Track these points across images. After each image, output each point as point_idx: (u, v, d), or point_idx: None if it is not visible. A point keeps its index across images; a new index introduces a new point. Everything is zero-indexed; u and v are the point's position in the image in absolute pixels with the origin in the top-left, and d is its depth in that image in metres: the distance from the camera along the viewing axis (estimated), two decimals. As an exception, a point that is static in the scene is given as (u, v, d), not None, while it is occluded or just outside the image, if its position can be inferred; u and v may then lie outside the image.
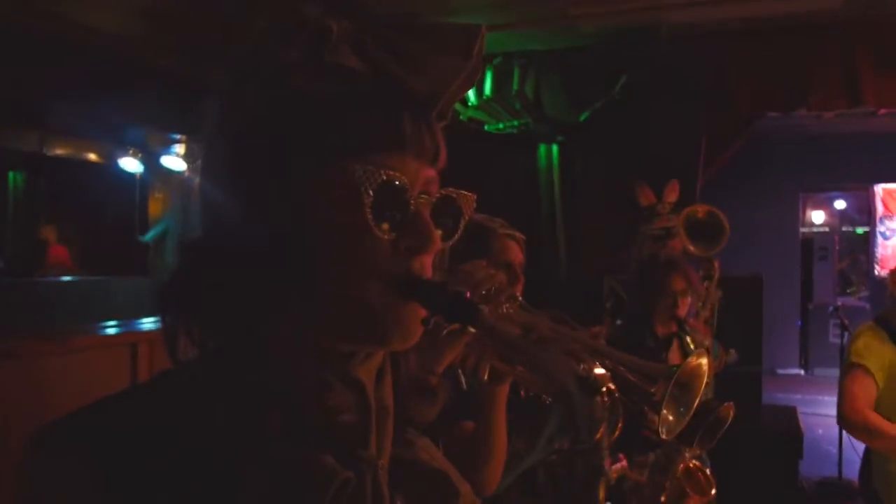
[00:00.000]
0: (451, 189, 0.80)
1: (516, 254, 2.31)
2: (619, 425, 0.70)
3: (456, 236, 0.82)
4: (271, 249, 0.72)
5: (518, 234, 2.35)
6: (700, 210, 3.89)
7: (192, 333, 0.75)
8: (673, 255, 3.28)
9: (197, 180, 0.79)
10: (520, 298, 2.22)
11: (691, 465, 2.67)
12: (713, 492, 2.68)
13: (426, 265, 0.77)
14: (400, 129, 0.74)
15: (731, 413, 2.17)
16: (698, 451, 2.57)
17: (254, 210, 0.73)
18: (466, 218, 0.82)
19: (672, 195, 3.81)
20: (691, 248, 3.76)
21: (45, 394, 3.01)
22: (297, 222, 0.72)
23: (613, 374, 1.73)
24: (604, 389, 0.68)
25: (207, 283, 0.74)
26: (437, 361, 1.47)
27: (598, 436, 0.68)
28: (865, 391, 3.18)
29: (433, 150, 0.78)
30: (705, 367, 1.64)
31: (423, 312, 0.76)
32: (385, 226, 0.72)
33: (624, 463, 0.65)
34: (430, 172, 0.78)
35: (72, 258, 7.56)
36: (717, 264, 3.89)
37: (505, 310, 1.66)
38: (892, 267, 3.58)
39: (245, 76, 0.76)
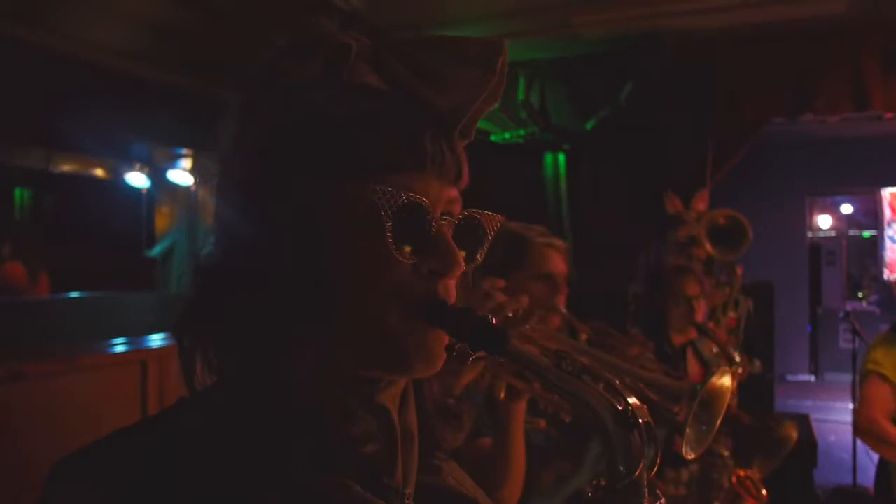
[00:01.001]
0: (474, 209, 0.78)
1: (557, 263, 2.24)
2: (658, 462, 0.66)
3: (479, 258, 0.80)
4: (289, 273, 0.70)
5: (558, 242, 2.27)
6: (720, 215, 3.89)
7: (210, 359, 0.73)
8: (682, 262, 3.25)
9: (208, 197, 0.77)
10: (563, 310, 2.18)
11: (742, 473, 2.64)
12: (764, 493, 2.65)
13: (450, 289, 0.74)
14: (421, 148, 0.72)
15: (796, 434, 2.13)
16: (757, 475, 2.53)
17: (270, 232, 0.71)
18: (490, 239, 0.79)
19: (701, 204, 3.80)
20: (714, 252, 3.76)
21: (55, 414, 2.99)
22: (315, 245, 0.70)
23: (635, 393, 1.71)
24: (642, 423, 0.65)
25: (224, 307, 0.72)
26: (456, 384, 1.45)
27: (638, 473, 0.65)
28: (882, 398, 3.16)
29: (455, 170, 0.76)
30: (728, 386, 1.62)
31: (447, 339, 0.74)
32: (406, 249, 0.70)
33: (663, 501, 0.62)
34: (453, 192, 0.76)
35: (29, 277, 6.92)
36: (739, 270, 3.87)
37: (529, 331, 1.64)
38: None
39: (262, 94, 0.74)
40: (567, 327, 2.37)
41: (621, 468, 0.65)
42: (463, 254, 0.76)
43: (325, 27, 0.74)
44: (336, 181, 0.70)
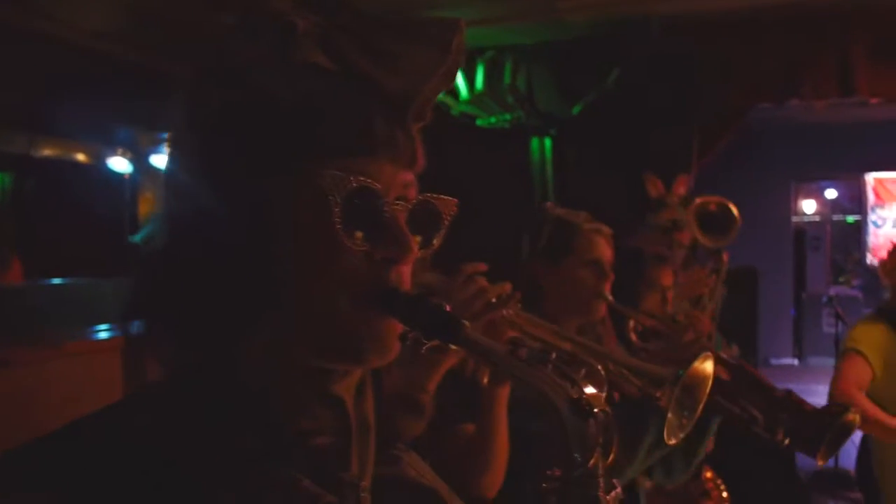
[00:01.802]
0: (429, 194, 0.76)
1: (604, 249, 2.23)
2: (614, 451, 0.66)
3: (436, 243, 0.78)
4: (238, 259, 0.68)
5: (605, 229, 2.26)
6: (712, 202, 3.89)
7: (160, 350, 0.71)
8: (663, 248, 3.22)
9: (156, 180, 0.76)
10: (609, 297, 2.17)
11: (709, 474, 2.65)
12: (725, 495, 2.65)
13: (404, 276, 0.72)
14: (372, 131, 0.70)
15: (858, 419, 2.13)
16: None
17: (218, 217, 0.68)
18: (447, 223, 0.77)
19: (682, 188, 3.78)
20: (703, 239, 3.76)
21: (38, 400, 2.97)
22: (264, 232, 0.68)
23: (618, 379, 1.71)
24: (597, 411, 0.64)
25: (172, 295, 0.70)
26: (428, 378, 1.44)
27: (593, 462, 0.64)
28: (856, 373, 3.19)
29: (410, 153, 0.74)
30: (710, 371, 1.62)
31: (400, 327, 0.72)
32: (358, 235, 0.68)
33: (619, 490, 0.62)
34: (407, 176, 0.74)
35: (0, 264, 6.66)
36: (725, 257, 3.88)
37: (514, 316, 1.63)
38: (883, 256, 3.60)
39: (210, 74, 0.72)
40: (612, 314, 2.37)
41: (576, 456, 0.64)
42: (418, 239, 0.74)
43: (275, 4, 0.72)
44: (284, 165, 0.68)
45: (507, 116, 5.74)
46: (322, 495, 0.70)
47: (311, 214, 0.68)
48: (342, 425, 0.74)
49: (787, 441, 2.10)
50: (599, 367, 1.62)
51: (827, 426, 2.08)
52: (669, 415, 1.55)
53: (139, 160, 6.83)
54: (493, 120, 5.83)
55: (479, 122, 5.87)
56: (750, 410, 2.12)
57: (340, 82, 0.70)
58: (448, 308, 0.71)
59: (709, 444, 2.62)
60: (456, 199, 0.78)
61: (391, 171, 0.72)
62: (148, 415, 0.70)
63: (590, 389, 0.66)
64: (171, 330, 0.71)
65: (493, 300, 1.56)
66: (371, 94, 0.70)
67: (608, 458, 0.65)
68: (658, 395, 1.59)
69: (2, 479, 0.65)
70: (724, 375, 2.18)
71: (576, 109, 5.45)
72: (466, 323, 0.70)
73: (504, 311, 1.62)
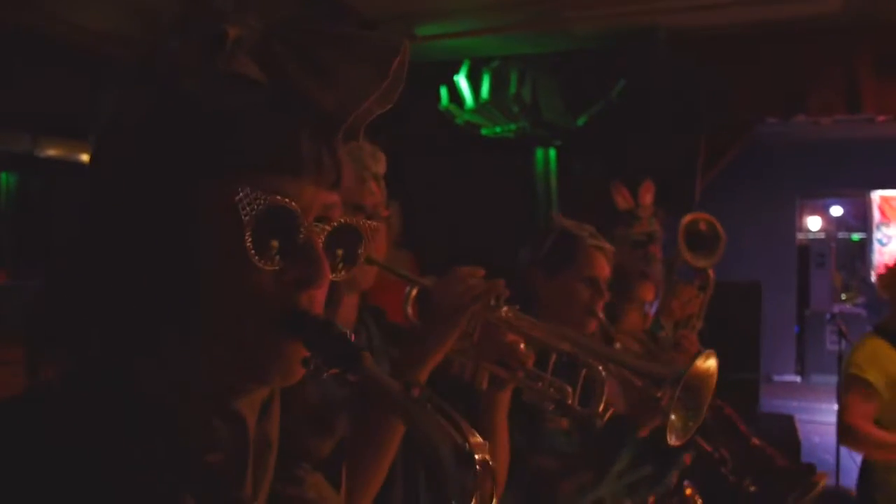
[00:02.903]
0: (350, 219, 0.73)
1: (603, 267, 2.21)
2: (494, 499, 0.66)
3: (353, 268, 0.76)
4: (149, 270, 0.66)
5: (607, 246, 2.24)
6: (701, 220, 3.85)
7: (57, 353, 0.69)
8: (641, 265, 3.16)
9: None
10: (601, 316, 2.16)
11: (689, 491, 2.61)
12: None
13: (315, 300, 0.70)
14: (297, 150, 0.68)
15: (824, 482, 2.12)
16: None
17: (132, 226, 0.66)
18: (366, 249, 0.76)
19: (648, 196, 3.70)
20: (691, 259, 3.70)
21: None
22: (176, 244, 0.66)
23: (619, 379, 1.69)
24: (478, 458, 0.63)
25: (79, 301, 0.68)
26: (423, 372, 1.43)
27: None
28: (864, 405, 3.17)
29: (335, 174, 0.72)
30: (713, 369, 1.60)
31: (304, 351, 0.70)
32: (270, 254, 0.66)
33: None
34: (331, 198, 0.72)
35: None
36: (712, 274, 3.83)
37: (514, 319, 1.61)
38: (882, 271, 3.59)
39: (138, 77, 0.70)
40: (603, 334, 2.35)
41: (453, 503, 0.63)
42: (340, 262, 0.74)
43: (216, 7, 0.70)
44: (201, 178, 0.66)
45: (512, 126, 5.74)
46: None
47: (223, 229, 0.66)
48: (240, 443, 0.72)
49: (752, 489, 2.10)
50: (600, 368, 1.61)
51: (793, 485, 2.08)
52: (672, 417, 1.53)
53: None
54: (498, 130, 5.83)
55: (484, 132, 5.86)
56: (722, 452, 2.11)
57: (269, 95, 0.68)
58: (352, 338, 0.69)
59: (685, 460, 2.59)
60: (381, 224, 0.76)
61: (313, 191, 0.70)
62: (30, 418, 0.67)
63: (475, 438, 0.65)
64: (72, 334, 0.69)
65: (478, 294, 1.53)
66: (301, 110, 0.69)
67: None
68: (659, 394, 1.57)
69: None
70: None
71: (581, 120, 5.44)
72: (368, 355, 0.69)
73: (503, 314, 1.60)
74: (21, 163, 7.32)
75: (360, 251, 0.76)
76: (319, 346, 0.69)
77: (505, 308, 1.61)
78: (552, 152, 5.76)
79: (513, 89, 5.46)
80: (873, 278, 11.83)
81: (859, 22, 4.68)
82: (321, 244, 0.70)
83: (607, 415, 1.53)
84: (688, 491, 2.69)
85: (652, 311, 3.26)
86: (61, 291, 0.70)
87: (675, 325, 3.48)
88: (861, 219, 12.81)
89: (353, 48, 0.71)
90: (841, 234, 13.47)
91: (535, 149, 5.83)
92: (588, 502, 1.99)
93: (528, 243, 2.27)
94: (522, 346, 1.59)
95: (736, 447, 2.11)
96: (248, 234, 0.64)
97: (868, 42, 4.74)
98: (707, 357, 1.59)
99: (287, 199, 0.66)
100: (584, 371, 1.62)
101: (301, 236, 0.68)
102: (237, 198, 0.64)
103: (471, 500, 0.62)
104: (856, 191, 11.97)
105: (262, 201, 0.65)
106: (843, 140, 9.67)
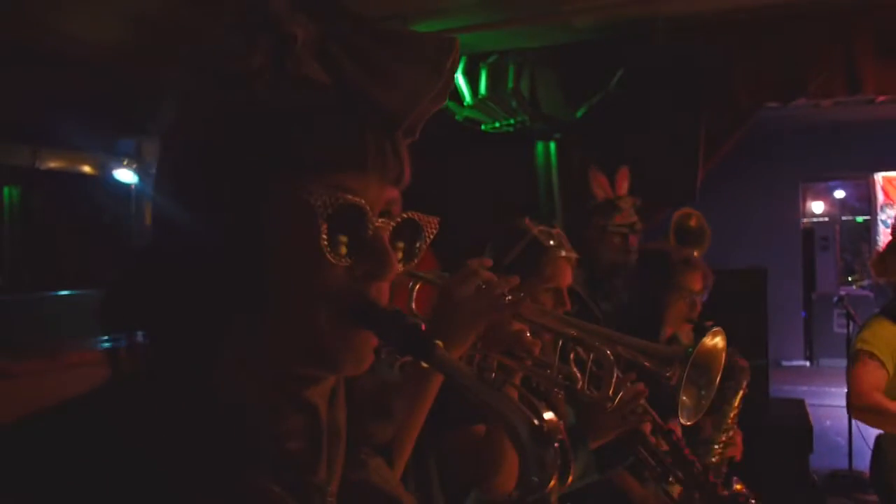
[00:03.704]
0: (413, 212, 0.77)
1: (567, 277, 2.20)
2: (571, 476, 0.68)
3: (415, 260, 0.79)
4: (222, 266, 0.68)
5: (573, 255, 2.23)
6: (693, 217, 3.88)
7: (138, 349, 0.72)
8: (687, 252, 3.12)
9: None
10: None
11: (739, 486, 2.60)
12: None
13: (383, 291, 0.74)
14: (363, 148, 0.70)
15: None
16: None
17: (206, 222, 0.68)
18: (428, 242, 0.79)
19: (624, 184, 3.64)
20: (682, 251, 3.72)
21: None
22: (249, 240, 0.68)
23: (629, 361, 1.69)
24: (556, 438, 0.66)
25: (154, 296, 0.70)
26: (420, 395, 1.43)
27: (550, 486, 0.66)
28: (872, 375, 3.17)
29: (397, 170, 0.74)
30: (721, 346, 1.59)
31: (376, 340, 0.74)
32: (341, 250, 0.69)
33: None
34: (393, 193, 0.75)
35: None
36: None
37: (521, 308, 1.61)
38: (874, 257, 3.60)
39: (204, 80, 0.71)
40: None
41: (534, 480, 0.66)
42: (400, 254, 0.76)
43: (273, 10, 0.71)
44: (272, 176, 0.68)
45: (512, 121, 5.73)
46: (288, 501, 0.71)
47: (296, 227, 0.68)
48: (314, 431, 0.76)
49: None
50: (608, 352, 1.61)
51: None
52: (683, 396, 1.53)
53: (144, 171, 6.84)
54: (497, 125, 5.82)
55: (483, 128, 5.85)
56: (667, 469, 2.12)
57: (334, 96, 0.70)
58: (423, 327, 0.72)
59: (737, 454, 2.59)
60: (438, 217, 0.79)
61: (378, 187, 0.73)
62: (115, 412, 0.69)
63: (549, 416, 0.68)
64: (152, 330, 0.72)
65: (508, 298, 1.54)
66: (364, 110, 0.71)
67: (565, 483, 0.67)
68: (668, 374, 1.57)
69: None
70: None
71: (580, 113, 5.43)
72: (439, 343, 0.72)
73: (508, 303, 1.60)
74: (23, 176, 7.33)
75: (419, 245, 0.78)
76: (392, 335, 0.72)
77: (509, 297, 1.61)
78: (552, 145, 5.74)
79: (511, 84, 5.44)
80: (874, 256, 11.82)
81: (859, 3, 4.66)
82: (387, 238, 0.73)
83: (617, 399, 1.53)
84: (738, 486, 2.68)
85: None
86: (138, 287, 0.72)
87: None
88: (865, 201, 12.77)
89: (408, 48, 0.73)
90: (845, 217, 13.43)
91: (535, 143, 5.82)
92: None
93: (494, 246, 2.24)
94: (528, 334, 1.59)
95: (682, 469, 2.10)
96: (322, 231, 0.67)
97: (867, 23, 4.72)
98: (714, 335, 1.60)
99: (357, 197, 0.69)
100: (591, 356, 1.62)
101: (369, 231, 0.71)
102: (311, 197, 0.67)
103: (551, 477, 0.65)
104: (859, 173, 11.92)
105: (334, 199, 0.67)
106: (845, 123, 9.65)
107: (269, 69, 0.69)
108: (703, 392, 1.57)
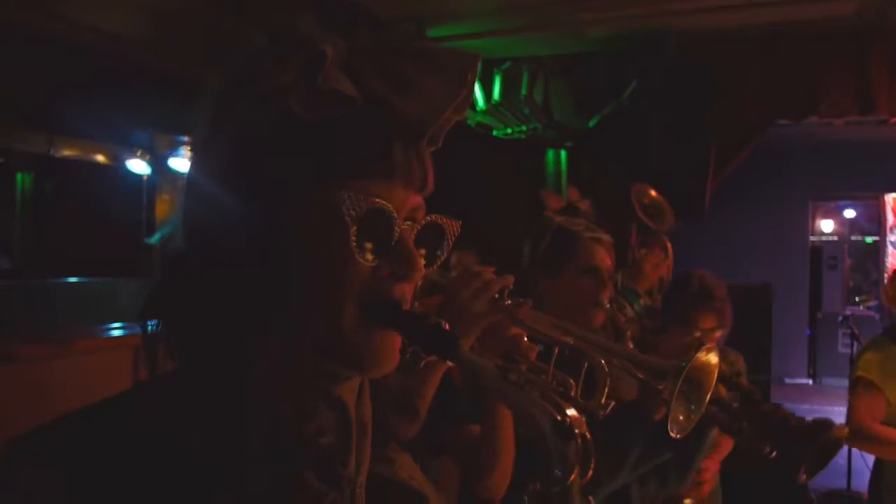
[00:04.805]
0: (436, 216, 0.80)
1: (603, 258, 2.22)
2: (592, 469, 0.70)
3: (439, 262, 0.83)
4: (254, 267, 0.71)
5: (605, 237, 2.25)
6: (648, 190, 3.96)
7: (173, 346, 0.74)
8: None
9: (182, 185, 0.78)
10: (607, 306, 2.17)
11: None
12: None
13: (407, 293, 0.77)
14: (390, 156, 0.74)
15: (845, 433, 2.09)
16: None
17: (238, 226, 0.72)
18: (451, 244, 0.82)
19: (574, 197, 3.61)
20: (650, 223, 3.79)
21: (46, 397, 2.99)
22: (280, 243, 0.72)
23: (623, 371, 1.70)
24: (578, 433, 0.69)
25: (189, 296, 0.73)
26: (424, 385, 1.45)
27: (571, 479, 0.68)
28: (871, 406, 3.17)
29: (422, 177, 0.78)
30: (715, 362, 1.60)
31: (400, 340, 0.77)
32: (368, 253, 0.72)
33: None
34: (417, 199, 0.78)
35: None
36: (668, 244, 3.90)
37: (508, 308, 1.62)
38: (885, 282, 3.60)
39: (237, 91, 0.75)
40: (611, 324, 2.36)
41: (556, 473, 0.68)
42: (423, 259, 0.79)
43: (304, 28, 0.75)
44: (303, 183, 0.72)
45: (524, 128, 5.75)
46: (325, 491, 0.75)
47: (327, 230, 0.71)
48: (344, 426, 0.79)
49: (773, 454, 2.08)
50: (602, 361, 1.62)
51: (811, 440, 2.06)
52: (673, 408, 1.53)
53: (157, 162, 6.88)
54: (509, 131, 5.84)
55: (495, 133, 5.88)
56: (739, 421, 2.11)
57: (362, 107, 0.73)
58: (447, 327, 0.76)
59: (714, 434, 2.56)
60: (460, 221, 0.83)
61: (403, 193, 0.76)
62: (153, 408, 0.73)
63: (572, 412, 0.70)
64: (185, 329, 0.75)
65: (508, 302, 1.56)
66: (390, 120, 0.74)
67: (586, 476, 0.70)
68: (661, 387, 1.57)
69: (17, 456, 0.68)
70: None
71: (592, 122, 5.44)
72: (463, 342, 0.74)
73: (507, 307, 1.61)
74: (36, 163, 7.38)
75: (442, 249, 0.82)
76: (417, 335, 0.76)
77: (509, 301, 1.63)
78: (563, 154, 5.77)
79: (524, 91, 5.46)
80: (886, 281, 11.76)
81: (873, 23, 4.66)
82: (413, 241, 0.77)
83: (610, 407, 1.54)
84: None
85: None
86: (177, 289, 0.75)
87: (649, 293, 3.57)
88: (874, 221, 12.73)
89: (431, 62, 0.77)
90: (854, 237, 13.39)
91: (546, 150, 5.84)
92: (604, 494, 2.00)
93: (526, 244, 2.28)
94: (525, 339, 1.61)
95: (749, 414, 2.10)
96: (351, 234, 0.70)
97: (881, 43, 4.72)
98: (708, 350, 1.60)
99: (384, 202, 0.73)
100: (586, 364, 1.63)
101: (396, 234, 0.74)
102: (342, 202, 0.70)
103: (573, 470, 0.68)
104: (869, 193, 11.88)
105: (364, 204, 0.71)
106: (856, 142, 9.62)
107: (301, 84, 0.72)
108: (692, 408, 1.58)
